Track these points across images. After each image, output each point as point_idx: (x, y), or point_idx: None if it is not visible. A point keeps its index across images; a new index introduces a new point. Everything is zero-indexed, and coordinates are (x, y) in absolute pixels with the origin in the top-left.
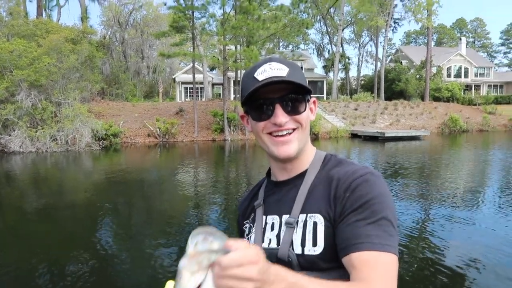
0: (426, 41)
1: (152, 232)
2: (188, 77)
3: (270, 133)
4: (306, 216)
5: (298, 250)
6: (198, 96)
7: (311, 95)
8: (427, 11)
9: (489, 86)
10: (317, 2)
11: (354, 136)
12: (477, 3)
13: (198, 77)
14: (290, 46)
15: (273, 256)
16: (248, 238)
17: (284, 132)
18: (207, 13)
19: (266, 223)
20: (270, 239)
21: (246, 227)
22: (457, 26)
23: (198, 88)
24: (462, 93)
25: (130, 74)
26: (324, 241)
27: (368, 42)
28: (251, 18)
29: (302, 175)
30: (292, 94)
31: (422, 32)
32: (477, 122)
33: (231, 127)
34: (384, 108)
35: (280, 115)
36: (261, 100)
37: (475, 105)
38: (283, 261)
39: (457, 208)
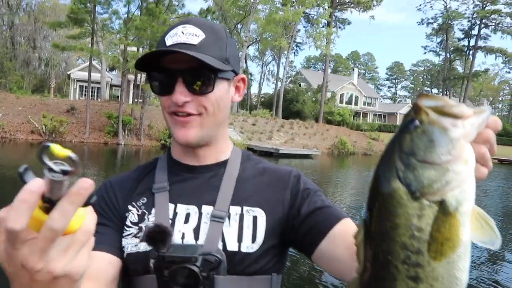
0: (324, 67)
1: None
2: (85, 75)
3: (173, 113)
4: (242, 209)
5: (232, 247)
6: (94, 96)
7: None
8: (326, 39)
9: (374, 114)
10: (225, 16)
11: (250, 150)
12: (370, 39)
13: (96, 76)
14: None
15: None
16: (139, 228)
17: (185, 112)
18: (110, 9)
19: (176, 213)
20: (183, 233)
21: (131, 213)
22: (352, 57)
23: (95, 87)
24: (352, 119)
25: (17, 63)
26: (264, 237)
27: (270, 62)
28: (156, 21)
29: (222, 164)
30: (199, 68)
31: (321, 59)
32: (363, 147)
33: (126, 131)
34: (280, 126)
35: (179, 93)
36: (164, 70)
37: (362, 130)
38: (207, 261)
39: None
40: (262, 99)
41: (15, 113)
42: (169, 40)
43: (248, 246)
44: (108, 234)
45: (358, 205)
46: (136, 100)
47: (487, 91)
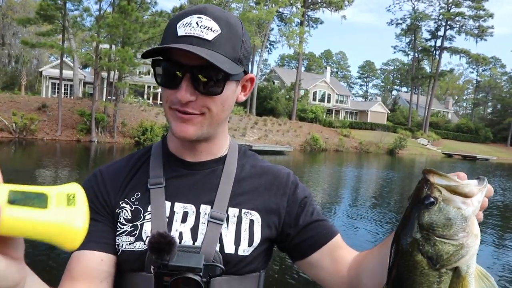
0: (297, 65)
1: None
2: (57, 72)
3: (175, 109)
4: (240, 212)
5: (230, 249)
6: (67, 94)
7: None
8: (299, 38)
9: (346, 112)
10: None
11: None
12: (342, 39)
13: (68, 73)
14: None
15: None
16: (134, 227)
17: (187, 112)
18: (81, 6)
19: (173, 212)
20: (180, 233)
21: (124, 210)
22: (325, 56)
23: (68, 85)
24: (325, 116)
25: None
26: (260, 241)
27: None
28: (128, 19)
29: (220, 160)
30: (210, 67)
31: (295, 57)
32: (334, 143)
33: (99, 129)
34: (254, 123)
35: (184, 91)
36: (172, 62)
37: (334, 127)
38: (207, 261)
39: None
40: None
41: None
42: (181, 30)
43: (245, 249)
44: (99, 231)
45: (330, 200)
46: (109, 97)
47: (452, 89)
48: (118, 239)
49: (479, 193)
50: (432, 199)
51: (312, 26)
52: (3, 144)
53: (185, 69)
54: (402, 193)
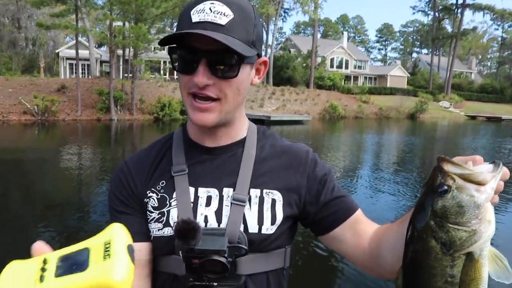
0: (313, 32)
1: (32, 217)
2: (73, 53)
3: (192, 94)
4: (262, 192)
5: (253, 229)
6: (84, 73)
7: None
8: (314, 3)
9: (365, 77)
10: None
11: None
12: (359, 2)
13: (84, 53)
14: None
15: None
16: (161, 213)
17: (205, 98)
18: None
19: (197, 197)
20: (205, 216)
21: (152, 198)
22: (341, 21)
23: (85, 64)
24: (343, 83)
25: (3, 44)
26: (282, 219)
27: None
28: None
29: (239, 143)
30: (225, 51)
31: (310, 24)
32: (354, 110)
33: (118, 107)
34: (272, 93)
35: (201, 75)
36: (188, 48)
37: (352, 94)
38: (231, 242)
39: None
40: None
41: (5, 95)
42: (195, 16)
43: (268, 228)
44: (132, 223)
45: (352, 167)
46: (126, 75)
47: (475, 49)
48: (148, 226)
49: (493, 179)
50: (445, 187)
51: None
52: (27, 127)
53: (201, 54)
54: (424, 158)
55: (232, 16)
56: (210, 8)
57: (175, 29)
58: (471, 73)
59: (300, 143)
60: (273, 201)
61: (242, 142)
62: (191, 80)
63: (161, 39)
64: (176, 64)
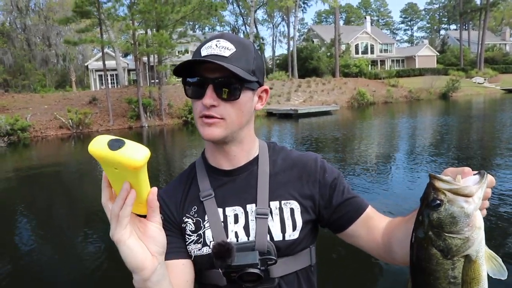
0: (334, 20)
1: (75, 228)
2: (102, 64)
3: (202, 116)
4: (280, 204)
5: (278, 237)
6: (114, 83)
7: (262, 83)
8: None
9: (392, 61)
10: None
11: (270, 114)
12: None
13: (112, 63)
14: (206, 28)
15: (248, 249)
16: (198, 235)
17: (212, 115)
18: None
19: (226, 216)
20: (236, 232)
21: (188, 223)
22: (363, 5)
23: (113, 75)
24: (369, 68)
25: (36, 63)
26: (302, 224)
27: (280, 23)
28: (159, 2)
29: (253, 162)
30: (228, 77)
31: (332, 12)
32: (382, 95)
33: (147, 113)
34: (298, 86)
35: (208, 97)
36: (198, 77)
37: (380, 79)
38: (262, 253)
39: (372, 173)
40: (278, 61)
41: (42, 112)
42: (204, 51)
43: (291, 234)
44: (173, 243)
45: (386, 153)
46: (152, 81)
47: (509, 18)
48: (189, 247)
49: (479, 190)
50: (438, 201)
51: None
52: (64, 141)
53: (208, 81)
54: (461, 139)
55: (234, 50)
56: (216, 44)
57: (197, 31)
58: (505, 44)
59: (309, 152)
60: (292, 210)
61: (255, 160)
62: (200, 103)
63: (174, 68)
64: (189, 91)
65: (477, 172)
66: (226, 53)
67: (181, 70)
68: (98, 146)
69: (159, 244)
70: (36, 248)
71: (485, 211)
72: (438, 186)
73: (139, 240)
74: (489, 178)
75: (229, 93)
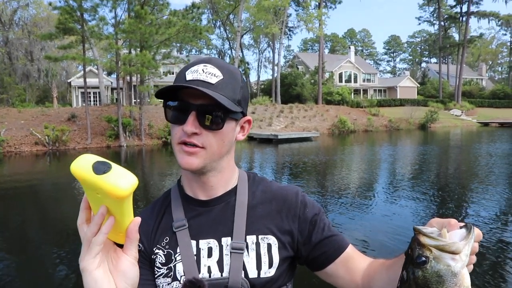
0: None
1: (47, 248)
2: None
3: (182, 143)
4: (257, 238)
5: (253, 274)
6: (96, 102)
7: (244, 114)
8: (318, 21)
9: (374, 90)
10: (216, 9)
11: (250, 139)
12: (365, 15)
13: (94, 81)
14: (193, 51)
15: (221, 286)
16: (168, 269)
17: (193, 145)
18: (97, 15)
19: (199, 249)
20: (209, 267)
21: (158, 255)
22: (348, 35)
23: (96, 93)
24: (352, 97)
25: (17, 77)
26: (279, 262)
27: (266, 48)
28: (143, 23)
29: (231, 192)
30: (213, 105)
31: (317, 40)
32: (363, 123)
33: (127, 133)
34: (280, 111)
35: (190, 124)
36: (180, 101)
37: (362, 107)
38: None
39: (349, 198)
40: (262, 86)
41: (18, 127)
42: (189, 75)
43: (266, 272)
44: (142, 275)
45: (366, 180)
46: (135, 101)
47: (485, 55)
48: (157, 281)
49: (466, 246)
50: (423, 258)
51: (331, 7)
52: (39, 157)
53: (191, 107)
54: (439, 167)
55: (221, 77)
56: (202, 69)
57: (184, 53)
58: (481, 79)
59: (290, 185)
60: (269, 246)
61: (234, 191)
62: (181, 130)
63: (157, 91)
64: (170, 116)
65: (463, 224)
66: (213, 80)
67: (163, 92)
68: (82, 167)
69: (128, 281)
70: (5, 267)
71: (471, 266)
72: (423, 242)
73: (108, 273)
74: (476, 232)
75: (212, 122)
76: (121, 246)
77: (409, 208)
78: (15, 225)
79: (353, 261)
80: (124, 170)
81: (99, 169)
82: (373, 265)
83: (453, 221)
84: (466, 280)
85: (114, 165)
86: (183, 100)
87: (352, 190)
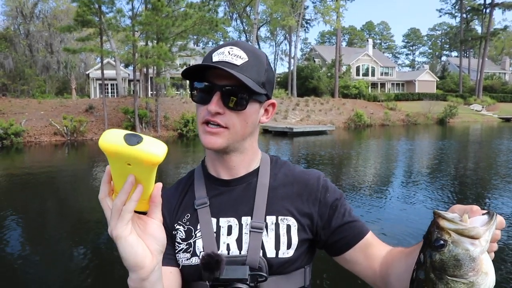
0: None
1: (66, 234)
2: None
3: (206, 122)
4: (277, 219)
5: (271, 254)
6: (113, 93)
7: (269, 97)
8: (336, 13)
9: (392, 84)
10: (233, 1)
11: (265, 131)
12: (384, 8)
13: (112, 73)
14: (210, 43)
15: (238, 263)
16: (188, 244)
17: (216, 125)
18: (115, 7)
19: (219, 227)
20: (228, 244)
21: (179, 230)
22: (366, 28)
23: (114, 84)
24: (369, 91)
25: (37, 69)
26: (298, 243)
27: (283, 41)
28: (160, 15)
29: (253, 173)
30: (237, 86)
31: (334, 33)
32: (380, 117)
33: (143, 124)
34: (296, 104)
35: (214, 104)
36: (206, 83)
37: (379, 101)
38: (253, 268)
39: (366, 191)
40: (278, 79)
41: (37, 118)
42: (216, 57)
43: (285, 252)
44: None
45: (381, 174)
46: (151, 92)
47: (509, 48)
48: (177, 256)
49: (487, 232)
50: (442, 242)
51: None
52: (57, 147)
53: (216, 87)
54: (458, 162)
55: (246, 59)
56: (228, 52)
57: (200, 45)
58: (504, 73)
59: (312, 170)
60: (288, 227)
61: (256, 172)
62: (205, 109)
63: (183, 71)
64: (196, 96)
65: (486, 211)
66: (238, 62)
67: (189, 73)
68: (113, 140)
69: (159, 243)
70: (24, 255)
71: (493, 254)
72: (442, 225)
73: (139, 238)
74: (499, 219)
75: (236, 103)
76: (143, 213)
77: (427, 203)
78: (34, 212)
79: (372, 248)
80: (154, 139)
81: (132, 140)
82: (392, 252)
83: (476, 207)
84: (485, 266)
85: (144, 136)
86: (208, 81)
87: (369, 184)
